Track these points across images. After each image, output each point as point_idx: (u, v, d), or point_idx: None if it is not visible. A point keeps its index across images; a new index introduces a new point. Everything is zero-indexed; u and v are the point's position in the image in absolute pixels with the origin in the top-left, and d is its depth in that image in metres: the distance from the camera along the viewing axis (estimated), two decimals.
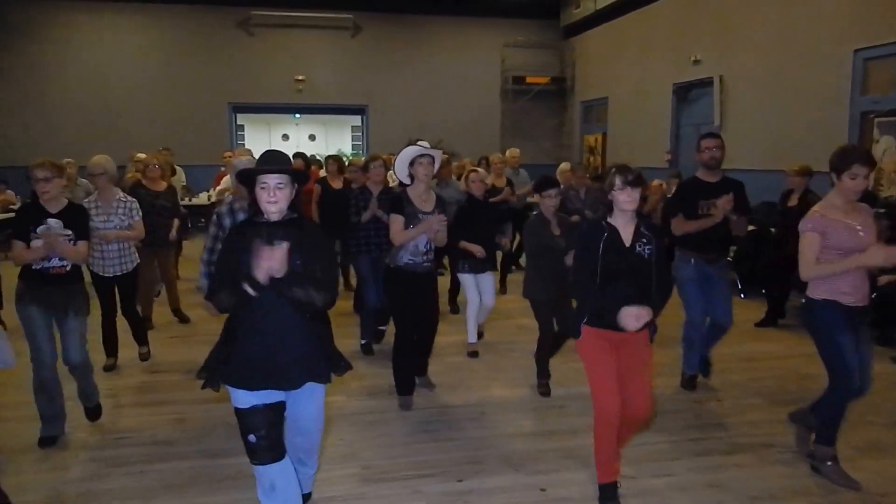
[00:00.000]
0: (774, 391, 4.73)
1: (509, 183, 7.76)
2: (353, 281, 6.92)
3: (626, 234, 3.07)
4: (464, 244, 5.26)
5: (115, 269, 4.93)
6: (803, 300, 3.48)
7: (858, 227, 3.25)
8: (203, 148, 13.23)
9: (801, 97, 8.32)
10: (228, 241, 2.73)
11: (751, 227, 6.13)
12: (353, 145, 19.48)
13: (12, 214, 9.00)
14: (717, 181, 4.50)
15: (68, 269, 3.82)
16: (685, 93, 11.11)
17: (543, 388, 4.67)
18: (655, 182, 7.74)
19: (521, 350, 5.39)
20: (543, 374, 4.71)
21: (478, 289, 5.43)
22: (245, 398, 2.59)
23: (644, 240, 3.06)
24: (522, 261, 6.71)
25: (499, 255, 6.32)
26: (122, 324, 5.21)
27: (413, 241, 4.24)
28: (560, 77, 15.35)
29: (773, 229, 6.96)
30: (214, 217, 3.95)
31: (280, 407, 2.67)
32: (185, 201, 10.65)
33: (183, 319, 6.53)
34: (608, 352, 3.08)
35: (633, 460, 3.62)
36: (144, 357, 5.38)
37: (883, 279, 5.45)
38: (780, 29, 8.71)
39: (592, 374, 3.11)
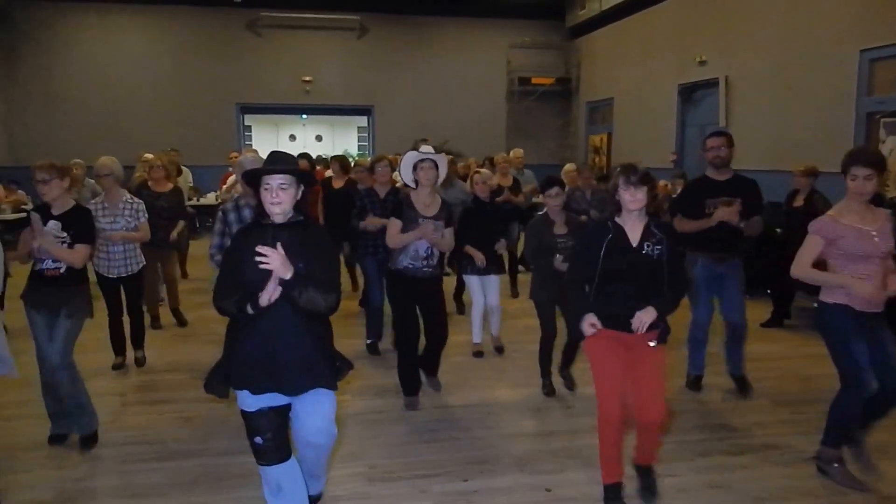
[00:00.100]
0: (779, 392, 4.71)
1: (516, 183, 7.75)
2: (361, 280, 6.93)
3: (634, 234, 3.04)
4: (468, 249, 5.24)
5: (120, 270, 4.96)
6: (815, 303, 3.46)
7: (874, 233, 3.19)
8: (211, 148, 13.30)
9: (807, 98, 8.30)
10: (234, 243, 2.75)
11: None
12: (359, 146, 19.52)
13: (24, 214, 9.10)
14: (727, 179, 4.40)
15: (62, 271, 3.75)
16: (690, 93, 11.09)
17: (547, 389, 4.67)
18: (661, 183, 7.73)
19: (526, 350, 5.40)
20: (546, 374, 4.71)
21: (483, 291, 5.45)
22: (251, 401, 2.61)
23: (653, 239, 3.02)
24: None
25: (504, 256, 6.31)
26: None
27: (408, 245, 4.23)
28: (565, 78, 15.35)
29: (778, 230, 6.94)
30: (220, 213, 4.01)
31: (285, 410, 2.68)
32: (193, 201, 10.73)
33: (181, 322, 6.45)
34: (614, 352, 3.06)
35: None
36: (140, 362, 5.29)
37: None
38: (786, 29, 8.69)
39: (596, 375, 3.11)
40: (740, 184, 4.40)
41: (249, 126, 17.15)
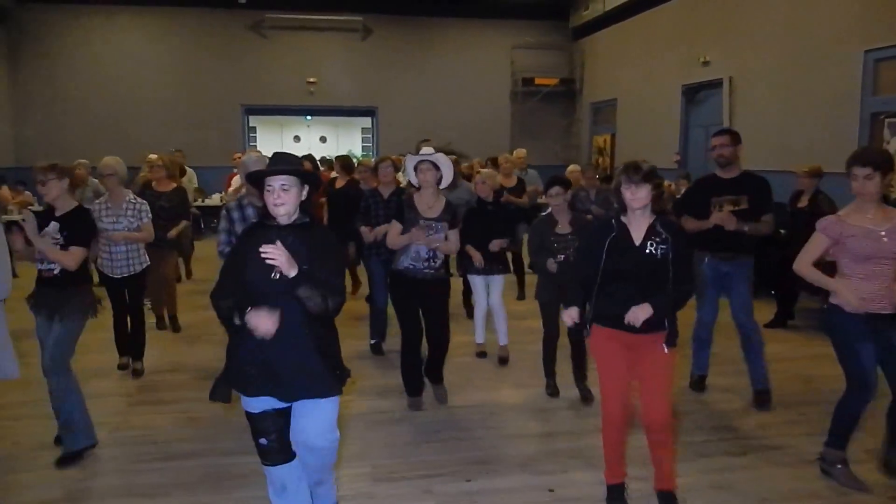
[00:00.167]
0: (783, 393, 4.68)
1: (520, 183, 7.74)
2: (362, 279, 6.97)
3: (638, 233, 3.01)
4: (468, 249, 5.23)
5: (123, 270, 4.96)
6: (825, 305, 3.43)
7: (883, 233, 3.16)
8: (216, 149, 13.30)
9: (811, 98, 8.28)
10: (238, 244, 2.75)
11: None
12: (363, 147, 19.53)
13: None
14: (734, 177, 4.35)
15: (56, 272, 3.72)
16: (694, 94, 11.08)
17: (551, 389, 4.67)
18: (665, 183, 7.71)
19: (529, 351, 5.39)
20: (550, 374, 4.71)
21: (486, 291, 5.44)
22: (255, 403, 2.61)
23: (658, 238, 2.98)
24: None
25: (509, 256, 6.30)
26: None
27: (407, 246, 4.24)
28: (569, 78, 15.35)
29: (782, 231, 6.92)
30: (224, 211, 4.06)
31: (288, 411, 2.67)
32: (198, 202, 10.75)
33: (175, 328, 6.35)
34: (617, 353, 3.05)
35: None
36: (138, 373, 5.10)
37: None
38: (790, 30, 8.68)
39: (600, 375, 3.11)
40: (748, 182, 4.35)
41: (254, 127, 17.19)
